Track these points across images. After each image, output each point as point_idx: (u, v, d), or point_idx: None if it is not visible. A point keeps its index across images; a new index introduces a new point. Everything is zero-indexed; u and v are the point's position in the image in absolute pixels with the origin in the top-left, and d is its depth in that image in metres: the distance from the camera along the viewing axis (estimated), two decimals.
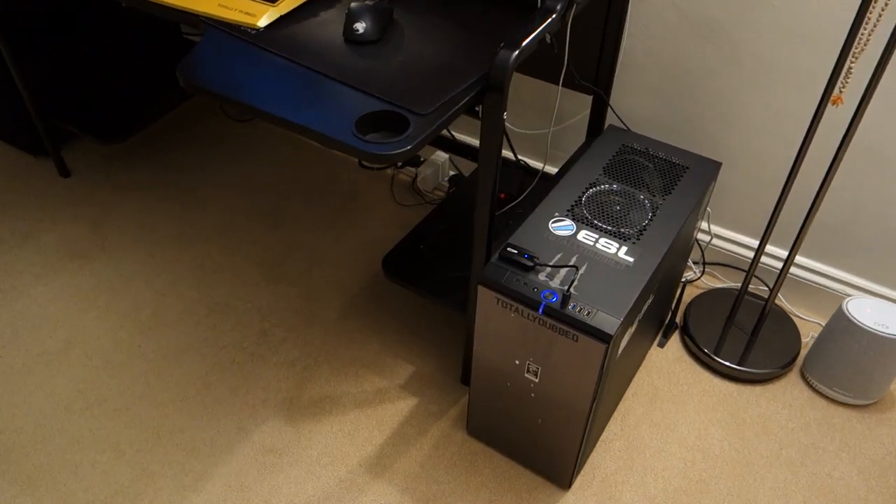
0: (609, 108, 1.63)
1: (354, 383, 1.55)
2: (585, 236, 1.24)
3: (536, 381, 1.24)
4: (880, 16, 1.14)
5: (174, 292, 1.73)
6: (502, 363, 1.27)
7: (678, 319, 1.68)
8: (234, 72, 1.08)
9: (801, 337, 1.63)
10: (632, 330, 1.23)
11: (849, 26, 1.19)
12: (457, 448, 1.44)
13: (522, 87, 1.77)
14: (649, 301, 1.28)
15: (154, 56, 2.16)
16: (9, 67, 1.83)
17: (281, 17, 1.20)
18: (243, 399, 1.52)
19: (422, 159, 2.04)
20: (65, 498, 1.35)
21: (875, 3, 1.11)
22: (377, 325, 1.67)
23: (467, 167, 2.00)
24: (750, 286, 1.74)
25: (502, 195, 1.66)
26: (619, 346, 1.17)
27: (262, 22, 1.18)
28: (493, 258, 1.19)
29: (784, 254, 1.68)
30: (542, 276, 1.16)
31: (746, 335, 1.61)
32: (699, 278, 1.78)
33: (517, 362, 1.24)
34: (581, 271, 1.17)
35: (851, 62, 1.17)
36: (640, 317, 1.26)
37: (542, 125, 1.83)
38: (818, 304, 1.69)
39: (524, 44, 1.07)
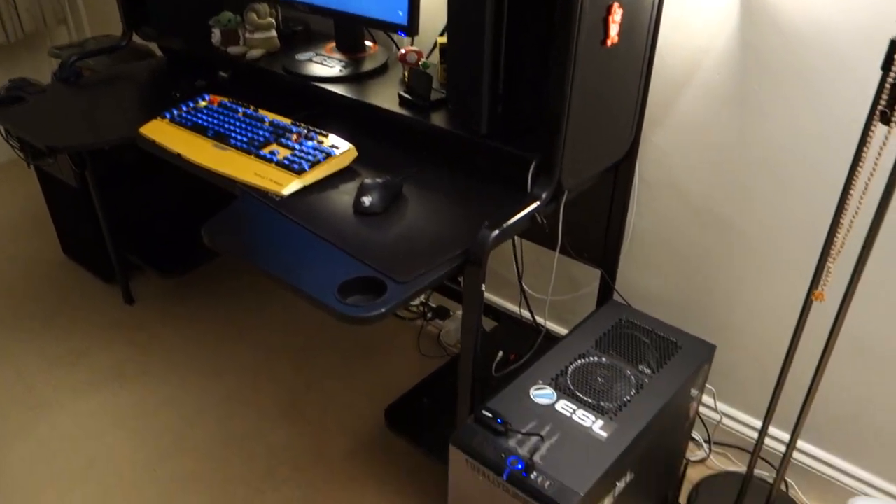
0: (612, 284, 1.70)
1: None
2: (564, 406, 1.28)
3: None
4: (852, 222, 1.19)
5: (199, 421, 1.84)
6: None
7: (683, 500, 1.64)
8: (249, 233, 1.24)
9: None
10: None
11: (827, 226, 1.25)
12: None
13: (543, 254, 1.88)
14: (628, 478, 1.28)
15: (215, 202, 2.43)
16: (96, 208, 2.11)
17: (304, 187, 1.37)
18: None
19: (451, 313, 2.14)
20: None
21: (846, 210, 1.17)
22: (379, 473, 1.72)
23: (490, 324, 2.08)
24: (762, 472, 1.69)
25: (513, 355, 1.72)
26: None
27: (287, 191, 1.35)
28: (468, 420, 1.25)
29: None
30: (511, 443, 1.20)
31: None
32: (708, 458, 1.74)
33: None
34: (552, 441, 1.21)
35: (830, 262, 1.22)
36: (616, 492, 1.26)
37: (562, 291, 1.91)
38: (828, 496, 1.61)
39: (504, 225, 1.18)
